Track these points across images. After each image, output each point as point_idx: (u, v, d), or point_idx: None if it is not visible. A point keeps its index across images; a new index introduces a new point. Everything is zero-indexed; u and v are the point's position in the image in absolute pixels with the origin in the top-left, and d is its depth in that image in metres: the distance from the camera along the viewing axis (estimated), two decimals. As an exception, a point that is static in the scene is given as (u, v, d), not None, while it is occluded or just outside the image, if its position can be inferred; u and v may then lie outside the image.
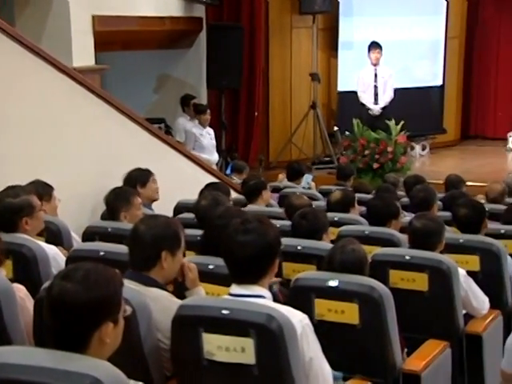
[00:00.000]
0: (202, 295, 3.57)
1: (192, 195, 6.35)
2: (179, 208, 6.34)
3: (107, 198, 5.63)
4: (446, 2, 13.34)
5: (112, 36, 9.11)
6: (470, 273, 4.54)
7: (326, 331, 3.53)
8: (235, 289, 3.19)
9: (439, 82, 13.62)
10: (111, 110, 6.68)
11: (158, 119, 10.41)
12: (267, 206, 6.82)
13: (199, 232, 4.29)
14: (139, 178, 6.27)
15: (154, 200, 6.44)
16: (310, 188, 8.73)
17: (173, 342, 3.05)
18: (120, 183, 6.18)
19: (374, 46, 11.40)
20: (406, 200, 7.06)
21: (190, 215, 5.47)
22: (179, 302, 3.21)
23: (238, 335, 2.97)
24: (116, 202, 5.54)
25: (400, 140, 10.72)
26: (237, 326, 3.01)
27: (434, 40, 13.48)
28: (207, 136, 9.86)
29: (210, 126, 10.10)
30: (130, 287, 3.02)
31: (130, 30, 9.55)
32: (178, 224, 3.58)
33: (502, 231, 5.53)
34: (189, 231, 4.16)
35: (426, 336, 4.25)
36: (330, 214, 5.57)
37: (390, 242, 4.94)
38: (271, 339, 2.94)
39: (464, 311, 4.57)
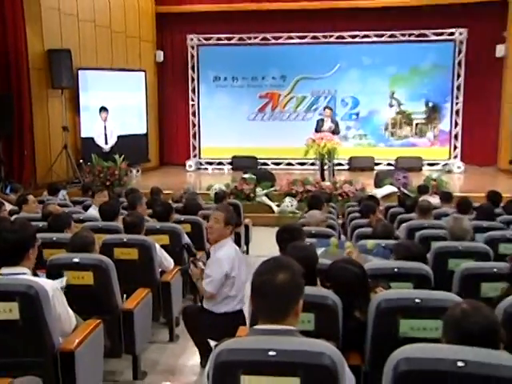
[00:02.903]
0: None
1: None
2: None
3: None
4: (144, 84, 14.70)
5: None
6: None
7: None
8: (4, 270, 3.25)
9: (144, 131, 14.87)
10: None
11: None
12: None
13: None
14: None
15: None
16: (65, 199, 8.72)
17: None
18: None
19: (103, 109, 12.41)
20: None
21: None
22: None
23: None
24: None
25: (123, 167, 11.55)
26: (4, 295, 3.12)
27: (139, 105, 14.67)
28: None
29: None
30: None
31: None
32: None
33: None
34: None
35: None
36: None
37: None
38: (32, 301, 3.12)
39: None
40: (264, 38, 15.44)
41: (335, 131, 12.01)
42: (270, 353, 2.11)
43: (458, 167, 14.73)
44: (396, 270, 3.74)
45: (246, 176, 11.55)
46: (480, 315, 2.27)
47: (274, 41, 15.44)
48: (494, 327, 2.28)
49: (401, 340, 2.88)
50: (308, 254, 3.36)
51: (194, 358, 4.81)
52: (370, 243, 4.72)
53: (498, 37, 14.43)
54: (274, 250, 4.01)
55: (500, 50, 14.45)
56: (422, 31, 14.76)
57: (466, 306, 2.34)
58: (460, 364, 2.06)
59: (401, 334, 3.01)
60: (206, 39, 15.68)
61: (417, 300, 3.00)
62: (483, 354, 2.12)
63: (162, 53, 15.91)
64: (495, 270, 3.82)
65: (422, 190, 9.18)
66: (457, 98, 15.13)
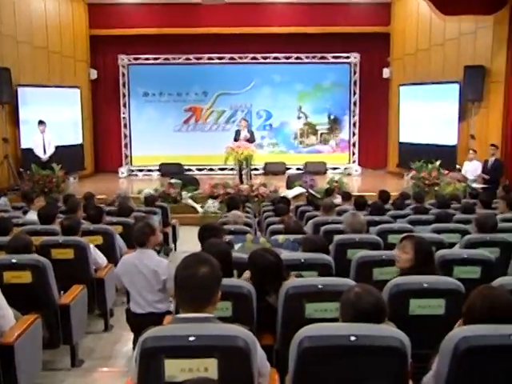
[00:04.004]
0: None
1: None
2: None
3: None
4: (80, 99, 14.24)
5: None
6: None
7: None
8: None
9: (80, 141, 14.46)
10: None
11: None
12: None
13: None
14: None
15: None
16: (6, 205, 8.37)
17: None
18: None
19: (41, 122, 11.76)
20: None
21: None
22: None
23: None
24: None
25: (60, 174, 10.99)
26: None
27: (75, 118, 14.22)
28: None
29: None
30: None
31: None
32: None
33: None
34: None
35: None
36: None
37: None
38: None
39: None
40: (187, 59, 15.42)
41: (251, 140, 12.11)
42: (190, 338, 2.10)
43: (356, 170, 15.17)
44: (303, 260, 3.81)
45: (173, 181, 11.43)
46: (371, 296, 2.36)
47: (196, 61, 15.45)
48: (381, 306, 2.37)
49: (306, 321, 2.89)
50: (221, 249, 3.33)
51: (128, 344, 4.72)
52: (281, 238, 4.75)
53: (384, 61, 15.28)
54: (198, 247, 3.92)
55: (386, 72, 15.30)
56: (324, 54, 15.27)
57: (359, 289, 2.41)
58: (352, 338, 2.13)
59: (306, 316, 3.06)
60: (135, 59, 15.47)
61: (319, 286, 3.06)
62: (371, 328, 2.21)
63: (95, 71, 15.56)
64: (384, 257, 3.96)
65: (329, 192, 9.37)
66: (354, 111, 15.63)
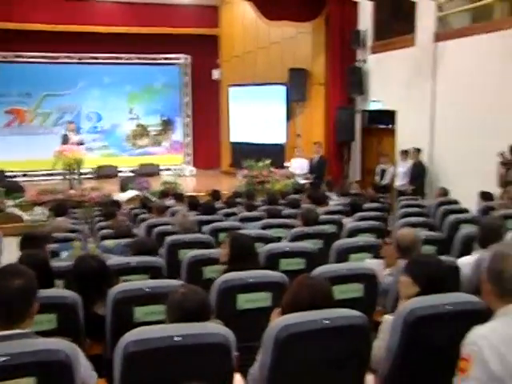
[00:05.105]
0: None
1: None
2: None
3: None
4: None
5: None
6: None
7: None
8: None
9: None
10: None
11: None
12: None
13: None
14: None
15: None
16: None
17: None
18: None
19: None
20: None
21: None
22: None
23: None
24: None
25: None
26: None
27: None
28: None
29: None
30: None
31: None
32: None
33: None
34: None
35: None
36: None
37: None
38: None
39: None
40: (4, 56, 14.25)
41: (80, 143, 11.68)
42: (1, 359, 1.95)
43: (191, 171, 15.28)
44: (132, 264, 3.75)
45: (-5, 189, 10.58)
46: (196, 295, 2.37)
47: (16, 59, 14.32)
48: (206, 304, 2.40)
49: (135, 325, 2.84)
50: (37, 259, 3.18)
51: None
52: (112, 242, 4.68)
53: (213, 63, 15.54)
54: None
55: (215, 74, 15.59)
56: (154, 55, 15.13)
57: (184, 289, 2.42)
58: (177, 339, 2.13)
59: (135, 320, 3.01)
60: None
61: (147, 289, 3.03)
62: (195, 327, 2.24)
63: None
64: (211, 255, 4.00)
65: (163, 193, 9.36)
66: (186, 112, 15.74)
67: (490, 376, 1.86)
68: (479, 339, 1.91)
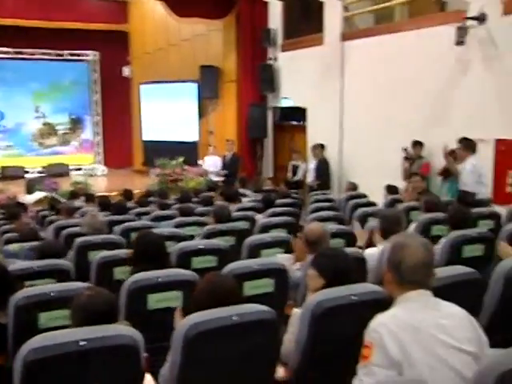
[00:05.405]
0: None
1: None
2: None
3: None
4: None
5: None
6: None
7: None
8: None
9: None
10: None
11: None
12: None
13: None
14: None
15: None
16: None
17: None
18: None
19: None
20: None
21: None
22: None
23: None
24: None
25: None
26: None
27: None
28: None
29: None
30: None
31: None
32: None
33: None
34: None
35: None
36: None
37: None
38: None
39: None
40: None
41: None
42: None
43: (102, 170, 14.89)
44: (36, 268, 3.59)
45: None
46: (101, 297, 2.32)
47: None
48: (113, 305, 2.37)
49: (41, 332, 2.74)
50: None
51: None
52: (16, 246, 4.49)
53: (124, 60, 15.17)
54: None
55: (126, 71, 15.24)
56: (60, 51, 14.58)
57: (90, 292, 2.37)
58: (82, 343, 2.06)
59: (40, 327, 2.89)
60: None
61: (52, 293, 2.91)
62: (101, 329, 2.17)
63: None
64: (122, 255, 3.91)
65: (74, 194, 9.06)
66: (96, 111, 15.32)
67: (390, 361, 1.94)
68: (379, 326, 1.99)
